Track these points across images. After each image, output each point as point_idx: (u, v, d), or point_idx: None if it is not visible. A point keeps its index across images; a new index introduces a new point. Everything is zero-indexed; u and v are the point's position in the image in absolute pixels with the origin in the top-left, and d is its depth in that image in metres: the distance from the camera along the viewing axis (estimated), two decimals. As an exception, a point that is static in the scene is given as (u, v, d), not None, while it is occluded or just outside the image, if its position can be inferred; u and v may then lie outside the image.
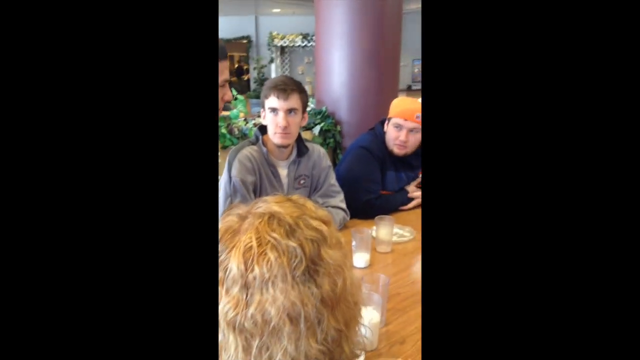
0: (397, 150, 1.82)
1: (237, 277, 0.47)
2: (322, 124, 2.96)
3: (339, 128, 3.06)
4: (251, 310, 0.46)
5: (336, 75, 3.07)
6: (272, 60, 9.13)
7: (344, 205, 1.63)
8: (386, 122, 1.87)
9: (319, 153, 1.65)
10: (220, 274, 0.48)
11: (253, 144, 1.52)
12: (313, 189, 1.64)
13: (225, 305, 0.47)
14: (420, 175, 1.95)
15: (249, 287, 0.47)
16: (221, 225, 0.52)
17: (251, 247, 0.47)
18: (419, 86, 7.82)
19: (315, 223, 0.51)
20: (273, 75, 8.83)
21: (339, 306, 0.49)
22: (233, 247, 0.49)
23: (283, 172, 1.56)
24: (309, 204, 0.54)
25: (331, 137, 3.00)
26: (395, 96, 2.44)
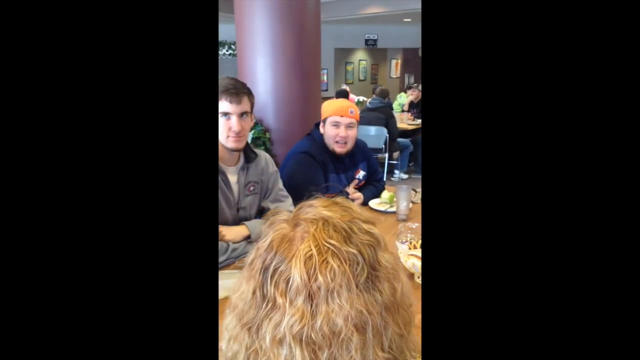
0: (338, 148, 1.90)
1: (301, 288, 0.46)
2: (252, 131, 2.95)
3: (268, 135, 3.07)
4: (318, 321, 0.45)
5: (261, 83, 3.08)
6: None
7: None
8: (321, 124, 1.94)
9: (266, 159, 1.66)
10: (282, 286, 0.47)
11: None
12: (263, 195, 1.65)
13: (290, 318, 0.46)
14: (358, 175, 2.05)
15: (314, 297, 0.46)
16: (274, 234, 0.51)
17: (312, 255, 0.46)
18: (326, 94, 8.10)
19: (366, 226, 0.50)
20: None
21: (399, 311, 0.49)
22: (292, 256, 0.47)
23: (233, 178, 1.54)
24: (354, 207, 0.53)
25: (261, 144, 3.00)
26: (320, 102, 2.51)
